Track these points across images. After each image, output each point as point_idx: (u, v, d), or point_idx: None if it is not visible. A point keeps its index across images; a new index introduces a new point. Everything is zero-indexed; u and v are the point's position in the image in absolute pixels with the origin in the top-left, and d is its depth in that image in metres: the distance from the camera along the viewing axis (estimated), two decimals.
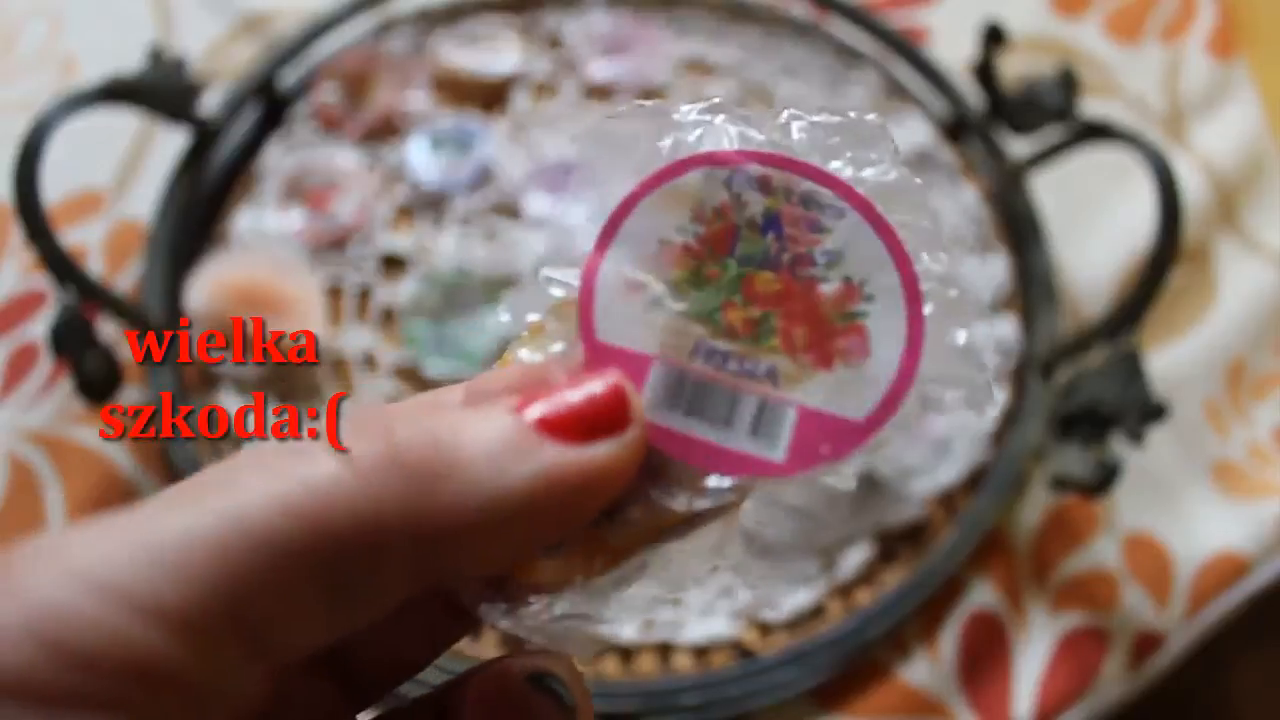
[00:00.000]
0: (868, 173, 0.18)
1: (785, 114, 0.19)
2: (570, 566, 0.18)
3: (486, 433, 0.16)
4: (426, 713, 0.20)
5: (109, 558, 0.14)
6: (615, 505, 0.18)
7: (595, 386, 0.17)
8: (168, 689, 0.14)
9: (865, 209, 0.18)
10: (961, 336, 0.17)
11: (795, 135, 0.19)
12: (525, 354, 0.19)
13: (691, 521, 0.18)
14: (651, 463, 0.18)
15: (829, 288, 0.18)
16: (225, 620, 0.14)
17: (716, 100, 0.19)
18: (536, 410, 0.16)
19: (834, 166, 0.18)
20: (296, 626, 0.15)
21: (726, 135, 0.19)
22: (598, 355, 0.18)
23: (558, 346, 0.18)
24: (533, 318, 0.19)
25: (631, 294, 0.18)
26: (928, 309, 0.18)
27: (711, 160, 0.18)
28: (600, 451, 0.16)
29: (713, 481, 0.18)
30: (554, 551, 0.18)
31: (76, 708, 0.14)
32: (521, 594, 0.18)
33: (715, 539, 0.18)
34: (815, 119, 0.19)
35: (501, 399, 0.17)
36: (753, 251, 0.18)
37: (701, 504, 0.18)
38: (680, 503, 0.18)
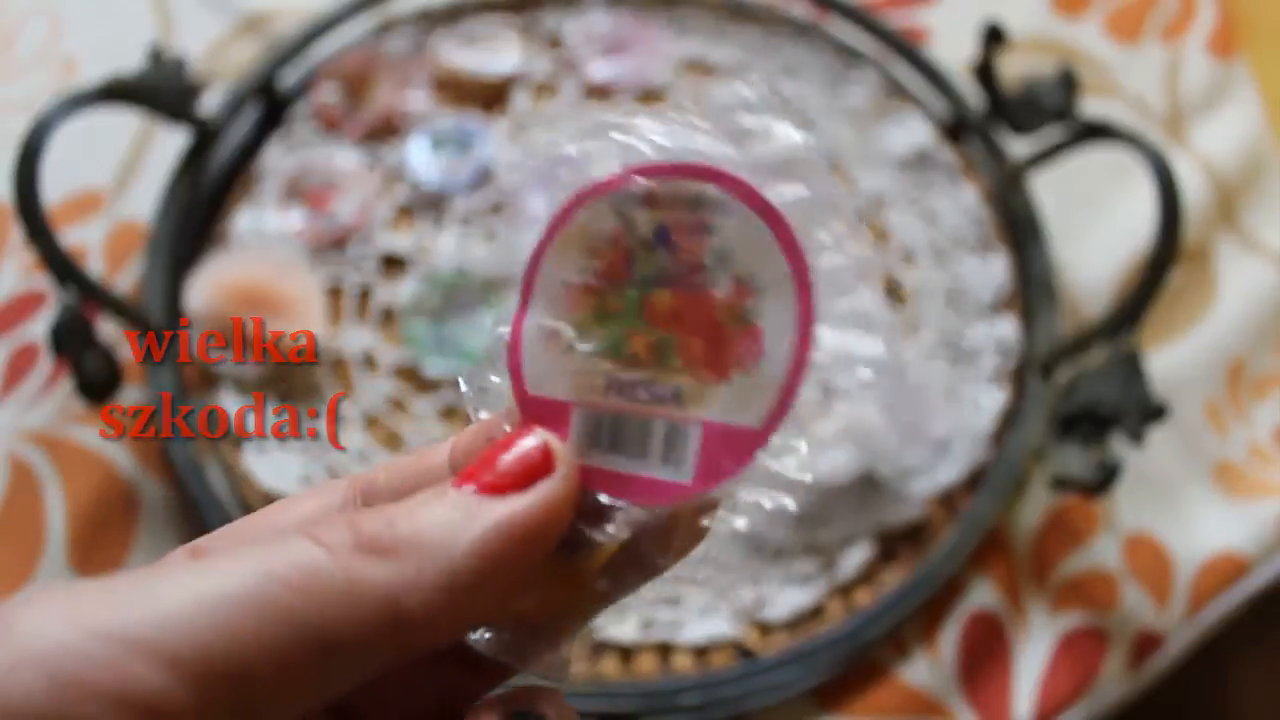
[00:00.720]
0: (753, 153, 0.17)
1: (668, 111, 0.18)
2: (546, 598, 0.19)
3: (437, 510, 0.18)
4: None
5: (118, 612, 0.16)
6: (567, 543, 0.19)
7: (522, 444, 0.19)
8: None
9: (747, 195, 0.17)
10: (848, 304, 0.17)
11: (680, 130, 0.18)
12: (484, 414, 0.20)
13: (636, 545, 0.19)
14: (590, 502, 0.19)
15: (721, 291, 0.17)
16: (223, 673, 0.16)
17: (606, 118, 0.18)
18: (474, 482, 0.19)
19: (716, 155, 0.18)
20: (288, 686, 0.17)
21: (612, 155, 0.18)
22: (528, 408, 0.19)
23: (502, 404, 0.20)
24: (490, 381, 0.20)
25: (549, 343, 0.19)
26: (817, 290, 0.17)
27: (597, 191, 0.18)
28: (534, 495, 0.18)
29: (636, 512, 0.18)
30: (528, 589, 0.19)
31: None
32: (505, 623, 0.19)
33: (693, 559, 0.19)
34: (716, 103, 0.18)
35: (441, 481, 0.19)
36: (648, 271, 0.18)
37: (620, 533, 0.18)
38: (603, 535, 0.18)
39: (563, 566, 0.19)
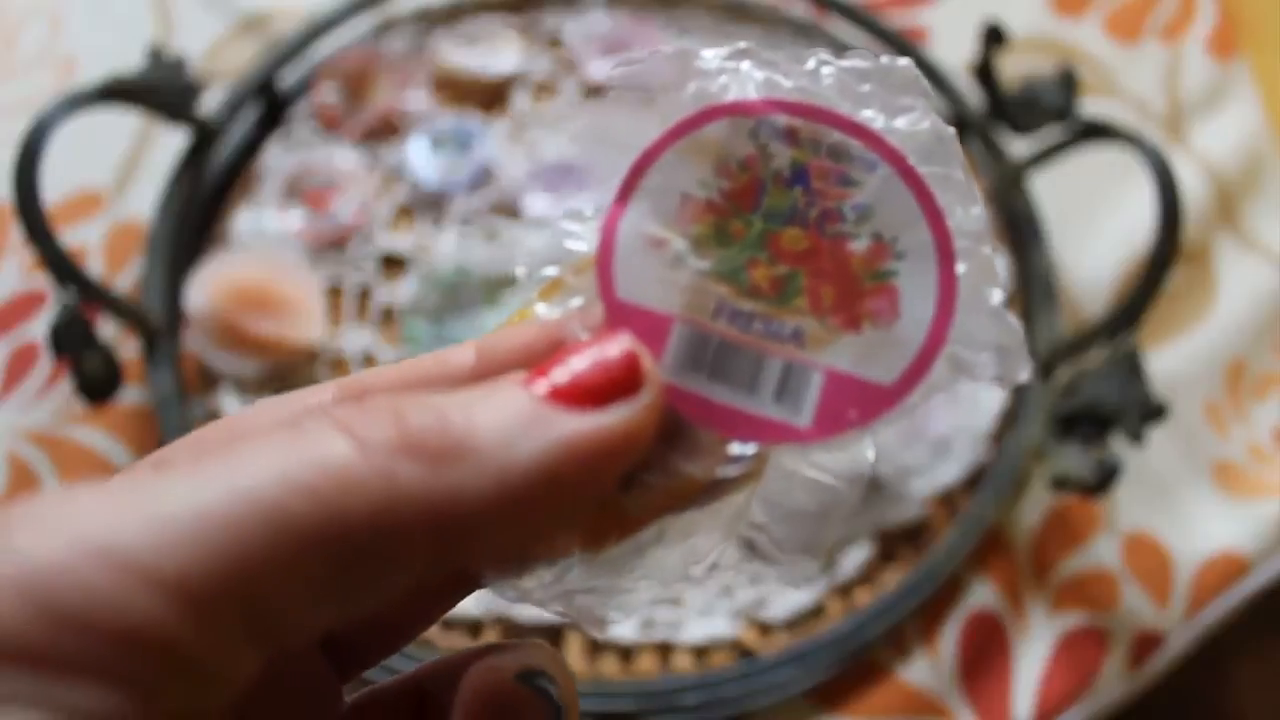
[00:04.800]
0: (899, 122, 0.17)
1: (813, 60, 0.18)
2: (585, 535, 0.17)
3: (497, 411, 0.15)
4: (409, 696, 0.19)
5: (113, 524, 0.14)
6: (632, 472, 0.17)
7: (606, 351, 0.16)
8: (166, 661, 0.14)
9: (897, 161, 0.17)
10: (995, 296, 0.17)
11: (824, 82, 0.18)
12: (542, 309, 0.18)
13: (712, 489, 0.17)
14: (670, 428, 0.17)
15: (858, 245, 0.17)
16: (232, 598, 0.14)
17: (742, 45, 0.18)
18: (546, 382, 0.16)
19: (865, 116, 0.17)
20: (304, 610, 0.15)
21: (753, 82, 0.18)
22: (617, 314, 0.17)
23: (576, 302, 0.18)
24: (550, 271, 0.18)
25: (652, 251, 0.17)
26: (960, 268, 0.17)
27: (736, 110, 0.17)
28: (613, 418, 0.16)
29: (735, 448, 0.17)
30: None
31: (69, 673, 0.13)
32: (533, 563, 0.17)
33: (736, 507, 0.18)
34: (845, 64, 0.18)
35: (511, 373, 0.17)
36: (779, 206, 0.17)
37: (724, 471, 0.17)
38: (701, 469, 0.17)
39: (616, 500, 0.17)
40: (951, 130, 0.17)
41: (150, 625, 0.13)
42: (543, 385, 0.16)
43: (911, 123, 0.17)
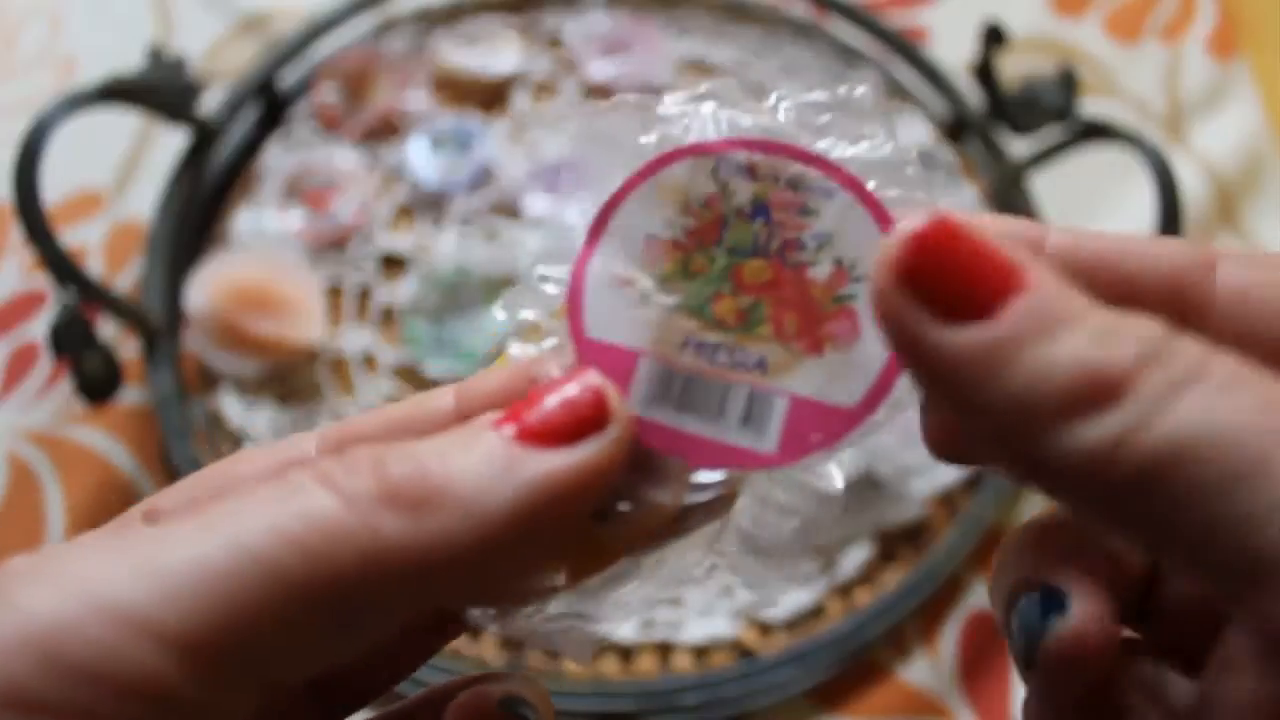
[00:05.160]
0: (858, 149, 0.18)
1: (774, 97, 0.19)
2: (564, 569, 0.18)
3: (471, 456, 0.16)
4: None
5: (113, 579, 0.15)
6: (606, 504, 0.18)
7: (573, 389, 0.17)
8: (168, 711, 0.14)
9: (854, 187, 0.18)
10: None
11: (783, 117, 0.18)
12: (517, 351, 0.19)
13: (685, 517, 0.18)
14: (641, 459, 0.18)
15: (819, 271, 0.18)
16: (230, 649, 0.15)
17: (703, 89, 0.19)
18: (515, 425, 0.17)
19: (822, 145, 0.18)
20: (296, 656, 0.16)
21: (714, 123, 0.18)
22: (587, 352, 0.18)
23: (550, 343, 0.18)
24: (527, 315, 0.19)
25: (621, 290, 0.18)
26: None
27: (697, 151, 0.18)
28: (582, 454, 0.16)
29: (702, 476, 0.17)
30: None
31: None
32: (516, 600, 0.18)
33: (710, 533, 0.18)
34: (804, 99, 0.18)
35: (483, 416, 0.17)
36: (741, 240, 0.18)
37: (693, 498, 0.17)
38: (670, 497, 0.17)
39: (590, 533, 0.18)
40: (913, 153, 0.18)
41: (153, 677, 0.14)
42: (510, 428, 0.17)
43: (871, 149, 0.18)
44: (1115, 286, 0.16)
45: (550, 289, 0.18)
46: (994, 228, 0.16)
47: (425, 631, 0.20)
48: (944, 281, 0.14)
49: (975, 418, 0.14)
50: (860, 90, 0.18)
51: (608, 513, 0.18)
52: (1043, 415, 0.14)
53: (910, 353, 0.15)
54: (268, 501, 0.15)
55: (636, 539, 0.18)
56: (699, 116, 0.18)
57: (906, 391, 0.17)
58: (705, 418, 0.17)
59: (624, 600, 0.19)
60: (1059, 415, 0.14)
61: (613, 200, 0.18)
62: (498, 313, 0.19)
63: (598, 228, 0.18)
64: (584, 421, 0.17)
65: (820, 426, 0.17)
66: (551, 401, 0.17)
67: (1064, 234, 0.17)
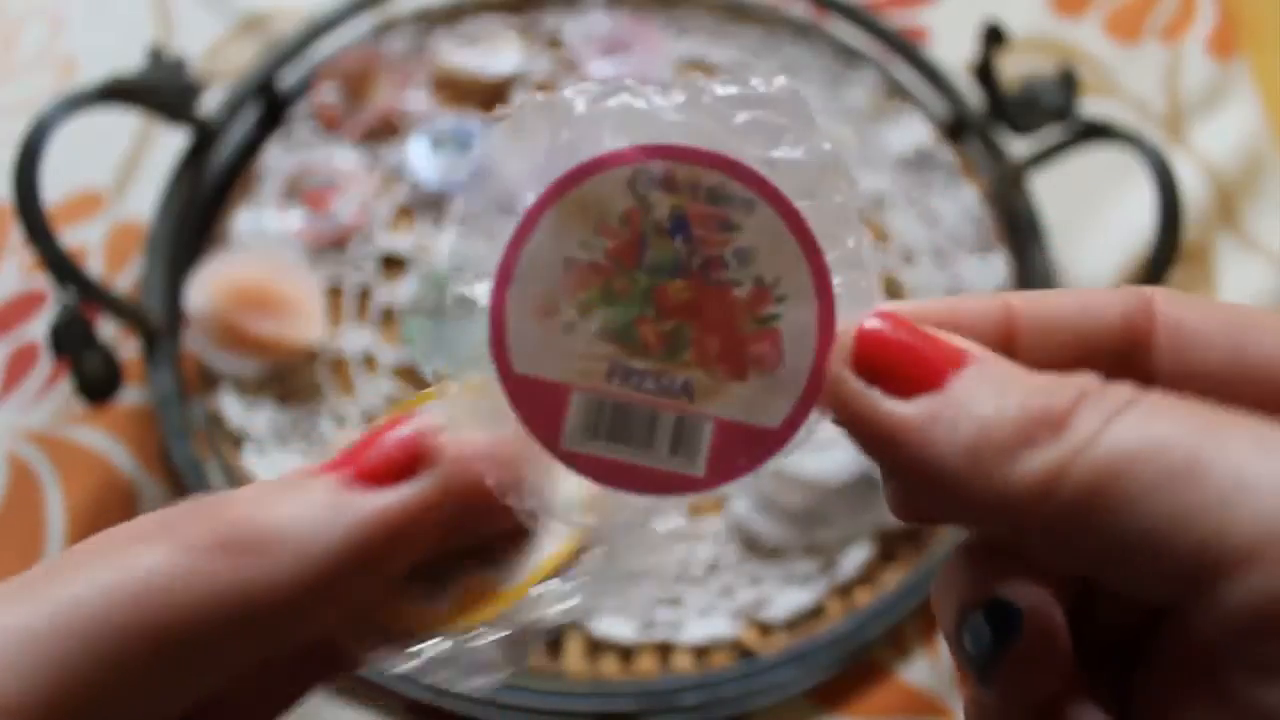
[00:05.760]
0: (778, 152, 0.17)
1: (690, 90, 0.17)
2: (452, 610, 0.18)
3: (300, 502, 0.17)
4: None
5: None
6: (437, 568, 0.18)
7: (390, 435, 0.18)
8: None
9: (774, 199, 0.17)
10: (873, 324, 0.17)
11: (699, 114, 0.17)
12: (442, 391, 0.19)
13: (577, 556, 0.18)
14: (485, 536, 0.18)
15: (741, 291, 0.17)
16: (58, 710, 0.15)
17: (613, 80, 0.18)
18: (341, 471, 0.18)
19: (742, 150, 0.17)
20: (141, 705, 0.16)
21: (626, 125, 0.17)
22: (516, 389, 0.18)
23: (453, 391, 0.19)
24: (438, 366, 0.19)
25: (543, 320, 0.18)
26: (838, 304, 0.17)
27: (610, 162, 0.17)
28: (406, 491, 0.18)
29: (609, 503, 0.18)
30: (430, 597, 0.18)
31: None
32: (398, 641, 0.18)
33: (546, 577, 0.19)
34: (721, 92, 0.17)
35: (325, 462, 0.18)
36: (662, 259, 0.17)
37: (575, 521, 0.18)
38: (574, 522, 0.18)
39: (487, 575, 0.19)
40: (831, 151, 0.17)
41: None
42: (336, 474, 0.18)
43: (789, 149, 0.17)
44: (1073, 338, 0.17)
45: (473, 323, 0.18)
46: (939, 315, 0.17)
47: (298, 665, 0.20)
48: (896, 367, 0.16)
49: (929, 475, 0.16)
50: (778, 82, 0.17)
51: (486, 558, 0.18)
52: (992, 454, 0.15)
53: (867, 428, 0.16)
54: (104, 558, 0.16)
55: (531, 582, 0.19)
56: (611, 115, 0.17)
57: (826, 410, 0.17)
58: (636, 446, 0.17)
59: (540, 635, 0.19)
60: (1006, 452, 0.15)
61: (524, 224, 0.18)
62: (418, 356, 0.19)
63: (510, 257, 0.18)
64: (397, 465, 0.18)
65: (746, 449, 0.17)
66: (374, 446, 0.18)
67: (1022, 297, 0.18)
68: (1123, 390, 0.15)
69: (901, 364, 0.16)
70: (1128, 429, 0.15)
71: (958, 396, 0.16)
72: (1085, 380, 0.16)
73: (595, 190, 0.17)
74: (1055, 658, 0.16)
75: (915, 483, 0.16)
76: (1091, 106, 0.54)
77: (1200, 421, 0.14)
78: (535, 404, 0.18)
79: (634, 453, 0.17)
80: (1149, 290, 0.17)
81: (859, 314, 0.17)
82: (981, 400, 0.16)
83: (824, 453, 0.46)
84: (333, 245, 0.53)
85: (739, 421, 0.17)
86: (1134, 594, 0.15)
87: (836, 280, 0.17)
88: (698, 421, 0.17)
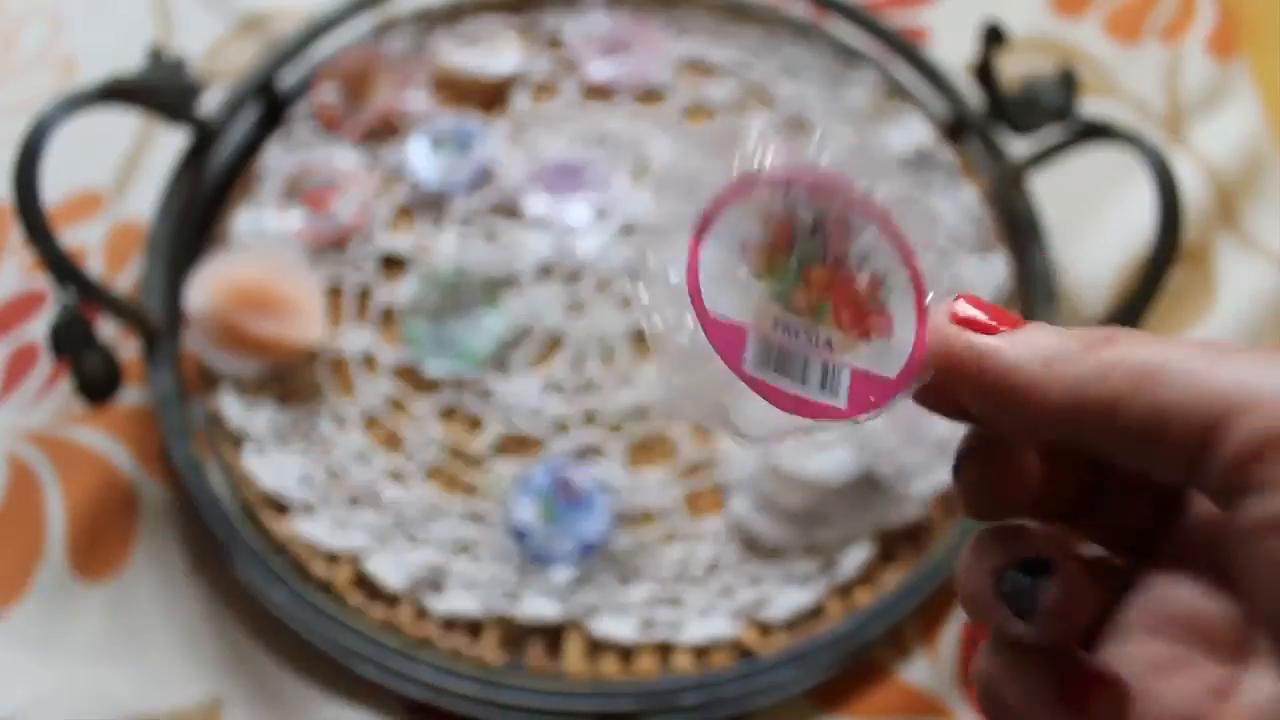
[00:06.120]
0: (881, 189, 0.24)
1: (817, 140, 0.25)
2: None
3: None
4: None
5: None
6: None
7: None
8: None
9: (882, 220, 0.24)
10: (961, 299, 0.24)
11: (826, 158, 0.24)
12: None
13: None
14: None
15: (862, 279, 0.24)
16: None
17: (767, 128, 0.24)
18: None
19: (858, 185, 0.24)
20: None
21: (780, 157, 0.24)
22: (711, 325, 0.23)
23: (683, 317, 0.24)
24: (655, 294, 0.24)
25: (726, 277, 0.23)
26: (928, 298, 0.24)
27: (771, 181, 0.24)
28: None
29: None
30: None
31: None
32: None
33: None
34: (840, 145, 0.24)
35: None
36: (807, 251, 0.24)
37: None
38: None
39: None
40: (918, 197, 0.24)
41: None
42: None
43: (889, 190, 0.24)
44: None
45: (672, 276, 0.23)
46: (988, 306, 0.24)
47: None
48: (981, 320, 0.23)
49: (1012, 384, 0.21)
50: (877, 145, 0.22)
51: None
52: (1062, 360, 0.21)
53: (962, 358, 0.22)
54: None
55: None
56: (768, 148, 0.24)
57: (928, 369, 0.23)
58: (794, 380, 0.23)
59: None
60: (1073, 357, 0.21)
61: (713, 207, 0.24)
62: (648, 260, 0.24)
63: (706, 221, 0.24)
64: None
65: (874, 391, 0.24)
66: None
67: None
68: (1136, 334, 0.21)
69: (986, 318, 0.23)
70: (1156, 345, 0.20)
71: (1030, 332, 0.22)
72: (1116, 329, 0.21)
73: (760, 196, 0.24)
74: (1080, 592, 0.21)
75: (998, 397, 0.22)
76: (1091, 106, 0.54)
77: (1199, 348, 0.20)
78: (724, 338, 0.23)
79: (793, 384, 0.23)
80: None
81: (944, 298, 0.24)
82: (1047, 333, 0.22)
83: (824, 453, 0.46)
84: (333, 245, 0.53)
85: (868, 370, 0.24)
86: (1162, 471, 0.20)
87: (926, 280, 0.25)
88: (840, 367, 0.24)
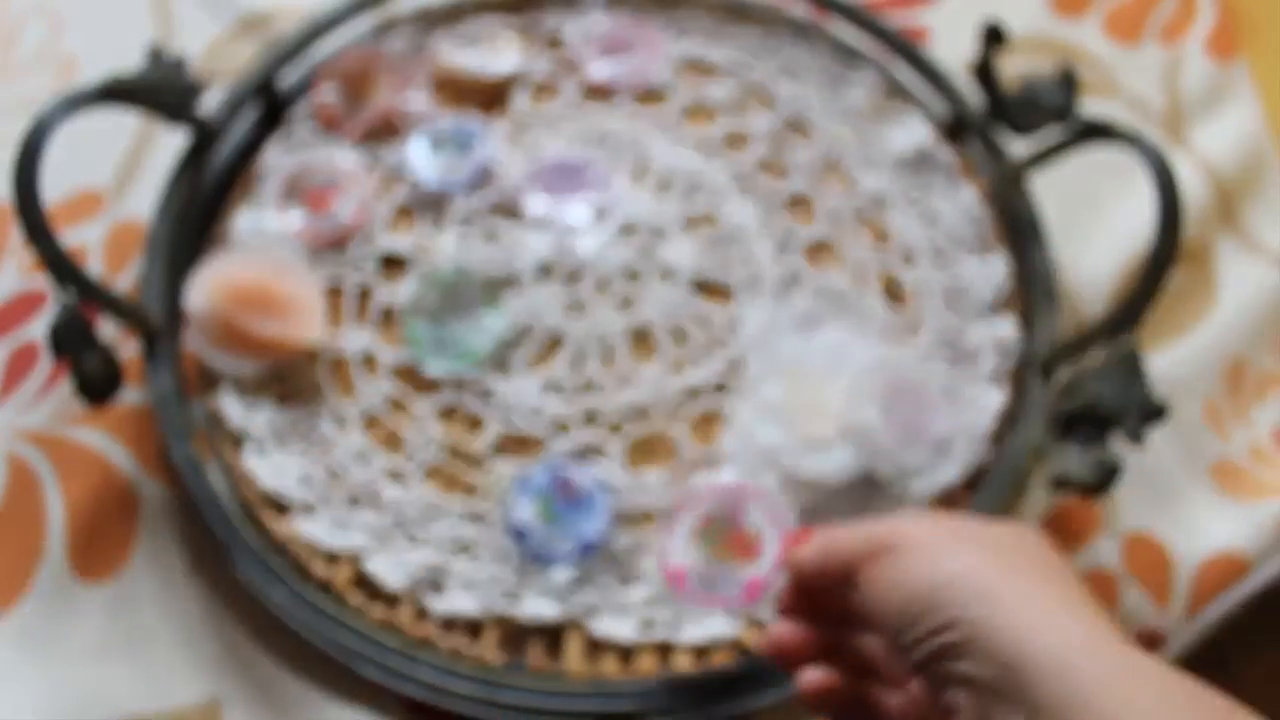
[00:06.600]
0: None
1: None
2: None
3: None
4: None
5: None
6: None
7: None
8: None
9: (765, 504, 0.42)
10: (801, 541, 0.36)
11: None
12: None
13: None
14: None
15: (748, 534, 0.42)
16: None
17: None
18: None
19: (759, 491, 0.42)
20: None
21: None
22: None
23: None
24: None
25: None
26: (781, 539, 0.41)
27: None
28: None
29: None
30: None
31: None
32: None
33: None
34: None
35: None
36: (718, 528, 0.43)
37: None
38: None
39: None
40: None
41: None
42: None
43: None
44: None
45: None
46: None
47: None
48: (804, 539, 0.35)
49: (824, 570, 0.33)
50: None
51: None
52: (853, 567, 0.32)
53: (794, 562, 0.35)
54: None
55: None
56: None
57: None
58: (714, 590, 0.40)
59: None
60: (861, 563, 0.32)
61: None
62: None
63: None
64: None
65: (759, 587, 0.41)
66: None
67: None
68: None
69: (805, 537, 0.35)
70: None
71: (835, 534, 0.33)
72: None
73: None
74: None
75: (815, 579, 0.34)
76: (1091, 106, 0.54)
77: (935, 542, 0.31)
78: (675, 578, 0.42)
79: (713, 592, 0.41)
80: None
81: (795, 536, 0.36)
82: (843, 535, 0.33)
83: (824, 453, 0.46)
84: (333, 245, 0.53)
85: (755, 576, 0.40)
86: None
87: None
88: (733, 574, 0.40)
